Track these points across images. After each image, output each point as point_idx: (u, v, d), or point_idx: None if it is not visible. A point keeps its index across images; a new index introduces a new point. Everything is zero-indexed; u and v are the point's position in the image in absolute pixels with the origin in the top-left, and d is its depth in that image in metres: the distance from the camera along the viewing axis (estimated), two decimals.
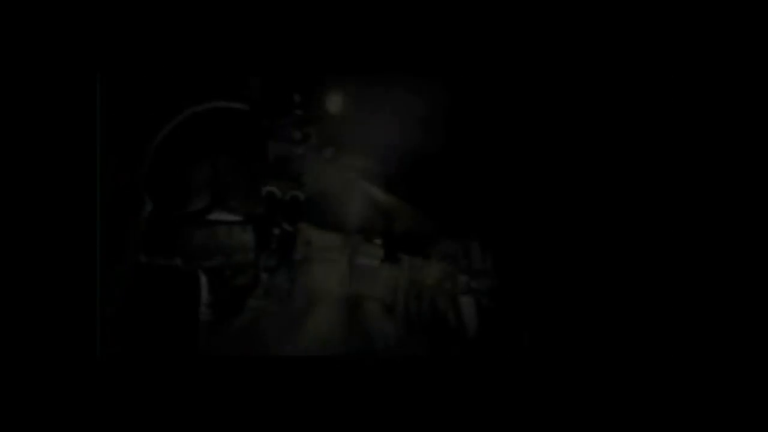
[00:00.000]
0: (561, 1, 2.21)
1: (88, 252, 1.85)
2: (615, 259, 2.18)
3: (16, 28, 1.81)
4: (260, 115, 2.24)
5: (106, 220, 1.87)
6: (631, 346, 2.09)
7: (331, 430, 1.95)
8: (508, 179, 2.34)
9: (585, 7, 2.20)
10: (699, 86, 2.16)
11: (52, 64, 1.85)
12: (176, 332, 2.24)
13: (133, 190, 2.11)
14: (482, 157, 2.36)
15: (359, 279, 2.16)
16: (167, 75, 2.13)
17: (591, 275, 2.19)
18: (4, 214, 1.79)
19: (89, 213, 1.86)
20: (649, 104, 2.22)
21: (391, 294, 2.19)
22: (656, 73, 2.20)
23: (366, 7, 2.24)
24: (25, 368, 1.75)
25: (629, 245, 2.17)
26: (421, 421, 1.98)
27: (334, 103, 2.22)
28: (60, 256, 1.81)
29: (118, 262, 1.99)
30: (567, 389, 2.02)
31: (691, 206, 2.14)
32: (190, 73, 2.14)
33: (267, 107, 2.23)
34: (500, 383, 2.04)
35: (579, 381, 2.03)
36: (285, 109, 2.22)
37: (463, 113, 2.33)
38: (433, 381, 2.03)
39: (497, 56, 2.24)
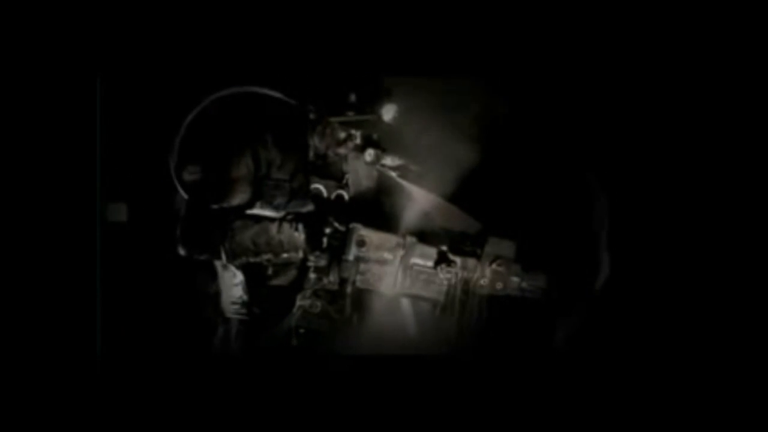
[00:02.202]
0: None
1: (88, 252, 1.86)
2: (666, 258, 2.08)
3: (19, 36, 1.85)
4: (308, 109, 2.15)
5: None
6: (682, 349, 2.00)
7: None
8: (552, 180, 2.28)
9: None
10: None
11: (53, 68, 1.86)
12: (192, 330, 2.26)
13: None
14: (526, 158, 2.31)
15: (413, 280, 2.06)
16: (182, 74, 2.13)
17: (641, 274, 2.10)
18: (5, 214, 1.81)
19: (89, 213, 1.89)
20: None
21: (444, 295, 2.08)
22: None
23: (418, 13, 2.15)
24: (26, 368, 1.80)
25: (686, 246, 2.09)
26: (473, 418, 1.95)
27: (388, 111, 2.12)
28: (60, 256, 1.83)
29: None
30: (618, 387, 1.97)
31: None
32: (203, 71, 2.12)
33: (320, 103, 2.14)
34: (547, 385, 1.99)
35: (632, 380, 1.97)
36: (338, 108, 2.13)
37: (507, 115, 2.28)
38: (485, 380, 1.99)
39: (541, 60, 2.14)
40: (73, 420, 1.79)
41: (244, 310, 2.15)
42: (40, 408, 1.78)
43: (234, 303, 2.16)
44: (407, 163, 2.21)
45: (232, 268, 2.16)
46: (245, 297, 2.14)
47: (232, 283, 2.18)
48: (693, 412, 1.99)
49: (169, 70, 2.05)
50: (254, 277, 2.13)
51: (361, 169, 2.27)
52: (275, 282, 2.12)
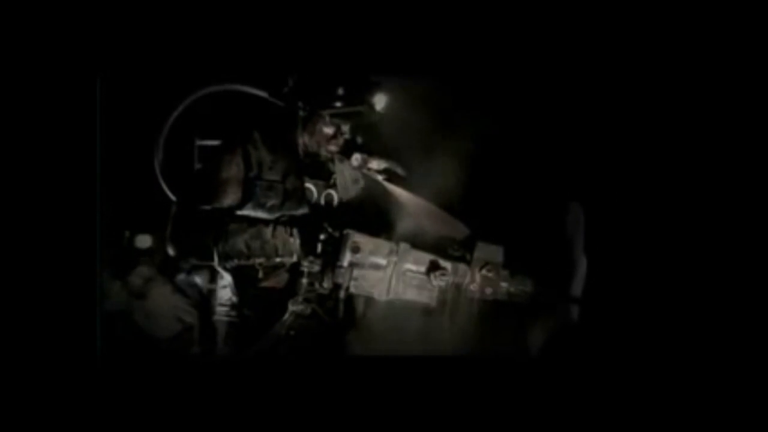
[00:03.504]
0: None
1: (88, 252, 1.86)
2: (651, 264, 2.09)
3: (19, 36, 1.85)
4: (298, 106, 2.13)
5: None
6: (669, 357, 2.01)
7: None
8: (536, 184, 2.31)
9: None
10: None
11: (53, 68, 1.86)
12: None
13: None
14: (513, 162, 2.34)
15: (405, 285, 2.05)
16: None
17: (619, 276, 2.13)
18: (5, 214, 1.81)
19: (89, 213, 1.89)
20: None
21: (436, 300, 2.08)
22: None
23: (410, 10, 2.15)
24: (26, 368, 1.80)
25: (671, 253, 2.09)
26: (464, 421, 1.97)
27: (380, 100, 2.09)
28: (60, 256, 1.83)
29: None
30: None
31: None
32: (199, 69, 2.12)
33: (308, 97, 2.11)
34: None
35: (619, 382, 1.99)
36: (327, 100, 2.10)
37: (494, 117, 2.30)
38: (481, 383, 2.01)
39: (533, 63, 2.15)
40: (72, 420, 1.80)
41: (233, 313, 2.13)
42: (39, 408, 1.78)
43: (222, 305, 2.15)
44: (393, 166, 2.21)
45: (221, 269, 2.14)
46: (234, 299, 2.12)
47: (220, 285, 2.17)
48: (676, 413, 2.02)
49: (168, 70, 2.06)
50: (243, 278, 2.11)
51: (347, 172, 2.26)
52: (265, 284, 2.11)
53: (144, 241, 2.51)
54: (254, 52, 2.14)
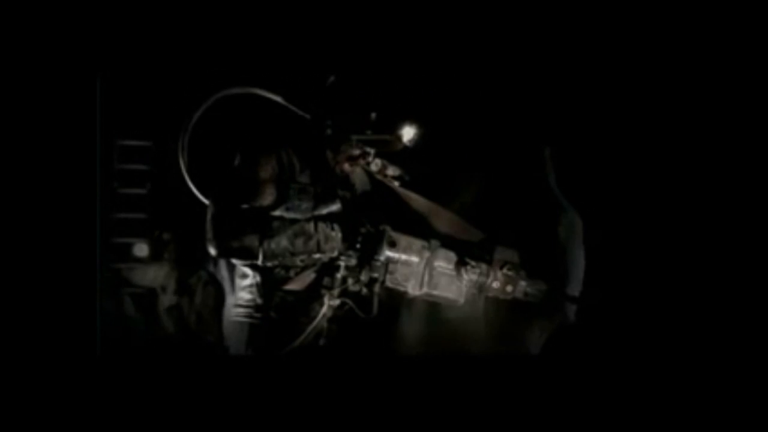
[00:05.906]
0: None
1: (88, 252, 1.86)
2: (657, 267, 2.13)
3: (19, 36, 1.86)
4: (326, 124, 2.12)
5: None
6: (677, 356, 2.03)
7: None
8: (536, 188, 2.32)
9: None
10: None
11: (53, 67, 1.87)
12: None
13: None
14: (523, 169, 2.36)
15: (436, 281, 2.11)
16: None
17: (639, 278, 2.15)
18: (5, 213, 1.81)
19: (89, 213, 1.89)
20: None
21: (463, 296, 2.14)
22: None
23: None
24: (26, 367, 1.80)
25: (677, 256, 2.12)
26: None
27: (408, 132, 2.08)
28: (60, 256, 1.83)
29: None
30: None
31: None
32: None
33: (338, 119, 2.10)
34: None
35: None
36: (356, 126, 2.09)
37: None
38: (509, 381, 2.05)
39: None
40: (72, 420, 1.79)
41: (258, 314, 2.08)
42: (39, 407, 1.78)
43: (242, 306, 2.10)
44: (403, 173, 2.22)
45: (243, 270, 2.12)
46: (259, 301, 2.08)
47: (240, 286, 2.13)
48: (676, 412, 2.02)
49: (170, 71, 2.06)
50: (271, 280, 2.08)
51: (357, 177, 2.26)
52: (291, 286, 2.09)
53: None
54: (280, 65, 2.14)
